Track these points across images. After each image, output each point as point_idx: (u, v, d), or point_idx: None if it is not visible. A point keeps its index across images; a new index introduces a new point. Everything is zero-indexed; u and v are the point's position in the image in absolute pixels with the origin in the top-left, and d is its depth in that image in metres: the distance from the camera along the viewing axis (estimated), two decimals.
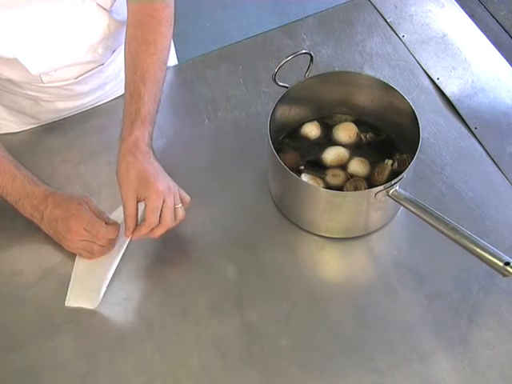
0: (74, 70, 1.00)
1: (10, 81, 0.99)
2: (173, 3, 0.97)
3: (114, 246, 0.90)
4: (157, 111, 0.92)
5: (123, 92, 1.10)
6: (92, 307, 0.87)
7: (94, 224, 0.87)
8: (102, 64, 1.04)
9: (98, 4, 0.93)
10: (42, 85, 1.00)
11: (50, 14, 0.89)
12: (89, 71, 1.02)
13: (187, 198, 0.89)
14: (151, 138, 0.90)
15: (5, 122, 1.08)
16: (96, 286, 0.88)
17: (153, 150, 0.89)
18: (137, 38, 0.94)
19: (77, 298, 0.88)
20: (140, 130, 0.88)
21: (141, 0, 0.94)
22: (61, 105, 1.07)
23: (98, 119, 1.08)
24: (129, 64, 0.94)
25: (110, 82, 1.09)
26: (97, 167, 1.02)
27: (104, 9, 0.95)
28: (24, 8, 0.86)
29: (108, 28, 0.97)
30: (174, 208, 0.86)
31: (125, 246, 0.89)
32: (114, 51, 1.06)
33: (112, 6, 0.96)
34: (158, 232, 0.86)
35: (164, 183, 0.85)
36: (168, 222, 0.85)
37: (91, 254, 0.89)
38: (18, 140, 1.07)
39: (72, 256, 0.91)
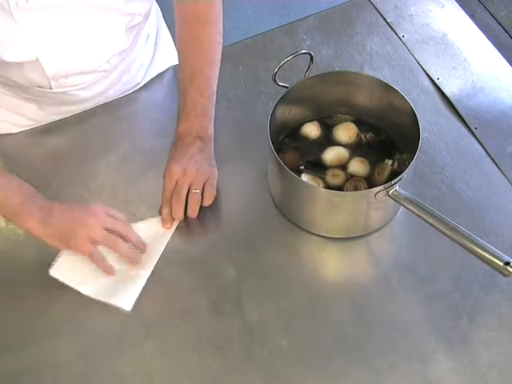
0: (84, 78, 1.01)
1: (15, 86, 0.99)
2: (220, 2, 1.01)
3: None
4: (208, 105, 0.98)
5: (124, 95, 1.12)
6: (76, 287, 0.87)
7: (115, 214, 0.89)
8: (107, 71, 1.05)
9: (121, 19, 0.94)
10: (48, 90, 1.00)
11: (77, 20, 0.90)
12: (94, 78, 1.03)
13: (210, 191, 0.94)
14: (203, 129, 0.97)
15: (5, 124, 1.08)
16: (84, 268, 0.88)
17: (204, 139, 0.96)
18: (185, 40, 1.02)
19: (62, 271, 0.88)
20: (185, 124, 0.97)
21: (186, 0, 0.99)
22: (62, 109, 1.07)
23: (98, 119, 1.08)
24: (181, 65, 1.02)
25: (113, 88, 1.10)
26: (97, 167, 1.02)
27: (126, 24, 0.96)
28: (54, 11, 0.87)
29: (126, 43, 0.99)
30: (190, 191, 0.92)
31: None
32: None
33: (137, 24, 0.98)
34: (174, 212, 0.92)
35: (180, 166, 0.92)
36: (177, 200, 0.92)
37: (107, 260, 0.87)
38: (18, 140, 1.07)
39: None
